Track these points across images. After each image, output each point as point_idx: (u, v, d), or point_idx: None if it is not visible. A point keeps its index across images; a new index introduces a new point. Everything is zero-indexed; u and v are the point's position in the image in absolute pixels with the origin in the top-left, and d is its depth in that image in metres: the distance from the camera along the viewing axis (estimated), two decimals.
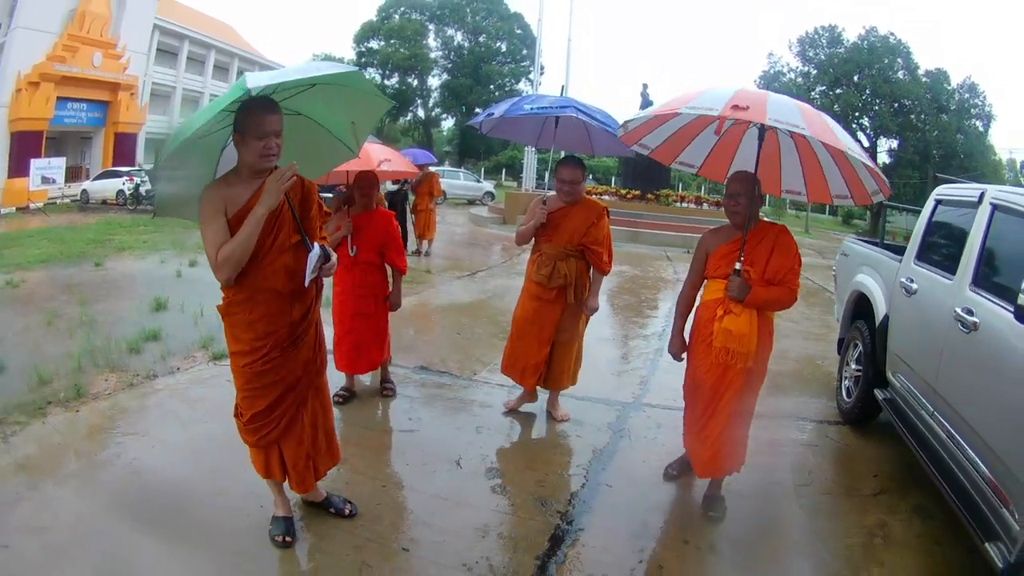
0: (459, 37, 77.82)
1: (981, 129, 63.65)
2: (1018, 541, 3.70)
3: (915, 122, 62.48)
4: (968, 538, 4.25)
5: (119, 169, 37.80)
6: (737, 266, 4.81)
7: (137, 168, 38.55)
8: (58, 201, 36.23)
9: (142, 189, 33.89)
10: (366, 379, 7.44)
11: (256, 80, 3.45)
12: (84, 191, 36.73)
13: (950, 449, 4.88)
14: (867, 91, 63.26)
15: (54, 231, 22.17)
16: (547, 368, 6.54)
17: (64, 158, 39.25)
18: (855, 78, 64.06)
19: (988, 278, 4.84)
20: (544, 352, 6.45)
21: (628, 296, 14.40)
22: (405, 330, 9.52)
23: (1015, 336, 4.15)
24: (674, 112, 4.54)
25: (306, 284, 4.03)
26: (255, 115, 3.75)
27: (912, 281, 6.07)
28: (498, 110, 6.89)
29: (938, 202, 6.33)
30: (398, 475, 5.47)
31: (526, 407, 6.88)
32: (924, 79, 63.42)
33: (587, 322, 6.66)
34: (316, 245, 4.03)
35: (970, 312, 4.78)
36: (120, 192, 34.95)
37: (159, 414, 6.42)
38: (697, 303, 5.29)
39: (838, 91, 63.29)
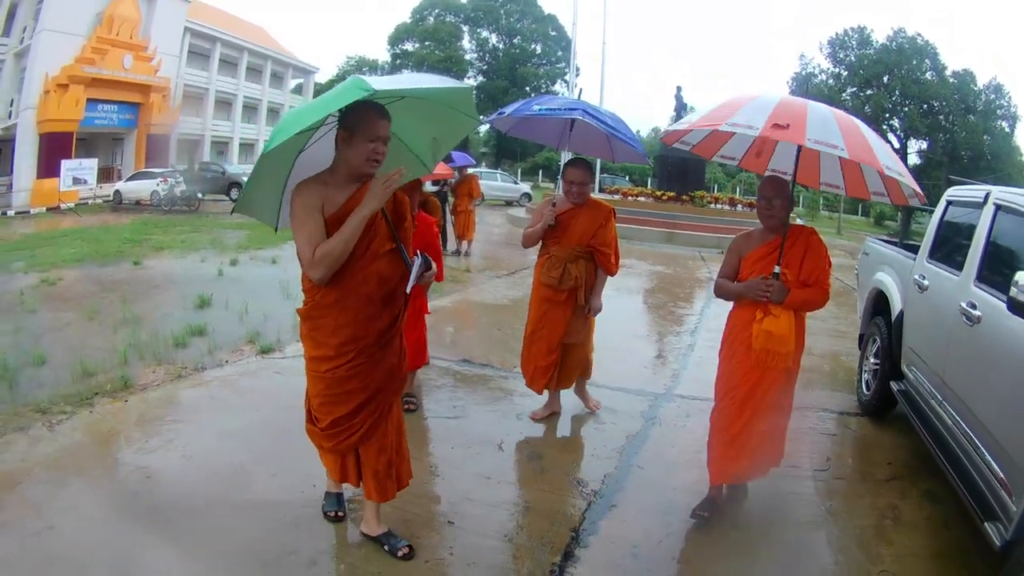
0: (494, 39, 78.25)
1: (1007, 130, 63.50)
2: (1014, 520, 3.92)
3: (943, 123, 62.48)
4: (973, 521, 4.44)
5: (153, 170, 38.03)
6: (776, 269, 4.84)
7: (171, 169, 38.92)
8: (90, 202, 36.66)
9: (176, 190, 34.36)
10: None
11: (379, 83, 3.37)
12: (117, 191, 36.90)
13: (956, 435, 5.15)
14: (897, 92, 63.25)
15: (88, 231, 22.48)
16: (558, 370, 6.54)
17: (96, 159, 39.83)
18: (885, 79, 64.03)
19: (990, 274, 5.11)
20: (554, 356, 6.45)
21: (663, 295, 14.66)
22: (447, 327, 9.77)
23: (1009, 326, 4.44)
24: (714, 127, 4.55)
25: (408, 291, 4.00)
26: (370, 117, 3.71)
27: (924, 278, 6.35)
28: (508, 109, 6.83)
29: (949, 203, 6.59)
30: (444, 457, 5.79)
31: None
32: (952, 80, 63.34)
33: (593, 323, 6.69)
34: (419, 254, 3.99)
35: (974, 306, 5.06)
36: (154, 193, 35.06)
37: (210, 403, 6.62)
38: (730, 308, 5.27)
39: (868, 92, 63.16)
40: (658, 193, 31.24)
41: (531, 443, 6.21)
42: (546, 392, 6.76)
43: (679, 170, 30.73)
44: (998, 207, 5.45)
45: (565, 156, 7.69)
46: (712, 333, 10.37)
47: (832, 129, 4.27)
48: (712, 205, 31.32)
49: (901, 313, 6.82)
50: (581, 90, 43.12)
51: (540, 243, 6.50)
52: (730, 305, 5.25)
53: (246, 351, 8.31)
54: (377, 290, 3.92)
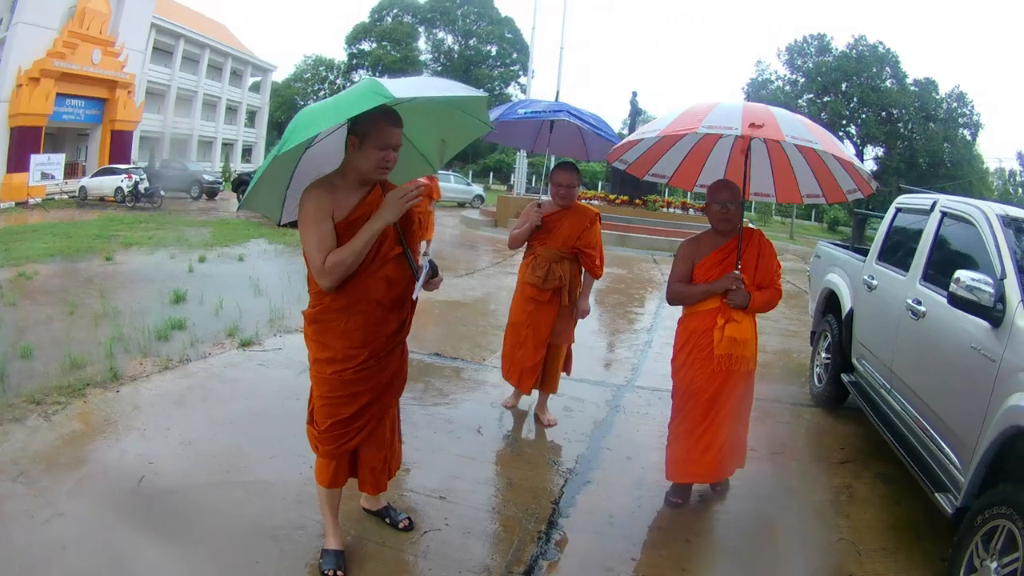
0: (449, 40, 78.46)
1: (969, 138, 64.26)
2: (963, 489, 4.35)
3: (902, 130, 63.04)
4: (924, 498, 4.89)
5: (117, 166, 37.88)
6: (736, 272, 4.90)
7: (135, 166, 38.91)
8: (56, 197, 36.33)
9: (141, 187, 34.28)
10: None
11: (398, 89, 3.28)
12: (83, 187, 36.71)
13: (904, 419, 5.67)
14: (855, 99, 63.82)
15: (57, 226, 22.45)
16: (542, 371, 6.63)
17: (63, 154, 39.37)
18: (843, 86, 64.60)
19: (935, 273, 5.62)
20: (541, 354, 6.51)
21: (618, 295, 15.11)
22: (413, 323, 10.30)
23: (949, 319, 4.99)
24: (691, 131, 4.60)
25: (414, 297, 3.98)
26: (381, 125, 3.65)
27: (873, 278, 6.87)
28: (493, 114, 6.89)
29: (898, 210, 7.12)
30: (429, 440, 6.15)
31: (525, 398, 7.13)
32: (913, 88, 63.87)
33: (576, 325, 6.79)
34: (427, 260, 3.99)
35: (919, 303, 5.61)
36: (119, 189, 35.01)
37: (200, 393, 6.85)
38: (683, 313, 5.32)
39: (826, 99, 63.68)
40: (611, 197, 31.66)
41: (507, 428, 6.61)
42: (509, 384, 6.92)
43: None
44: (944, 214, 6.01)
45: (521, 158, 7.87)
46: (667, 332, 10.79)
47: (800, 127, 4.43)
48: (665, 209, 31.88)
49: (851, 311, 7.33)
50: (557, 92, 43.46)
51: (525, 244, 6.58)
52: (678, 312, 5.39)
53: (227, 344, 8.55)
54: (386, 294, 3.89)
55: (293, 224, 3.99)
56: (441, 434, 6.35)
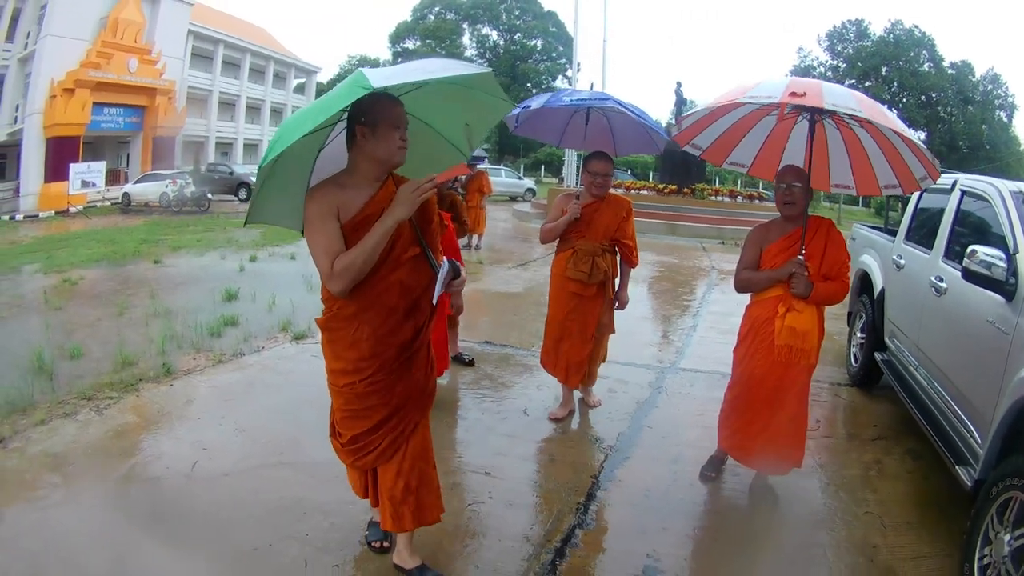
0: (494, 36, 78.40)
1: (1005, 120, 63.68)
2: (981, 461, 4.48)
3: (942, 114, 62.49)
4: (951, 474, 4.92)
5: (161, 172, 38.49)
6: (800, 257, 4.78)
7: (179, 171, 39.45)
8: (98, 204, 37.03)
9: (186, 191, 34.83)
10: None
11: (378, 78, 3.07)
12: (126, 194, 37.36)
13: (929, 394, 5.81)
14: (895, 84, 63.25)
15: (101, 232, 22.87)
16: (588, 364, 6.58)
17: (104, 162, 40.25)
18: (883, 71, 64.06)
19: (955, 250, 5.75)
20: (588, 348, 6.42)
21: (666, 282, 15.29)
22: (466, 313, 10.53)
23: (968, 294, 5.12)
24: (734, 103, 4.58)
25: (434, 301, 3.72)
26: (387, 105, 3.48)
27: (901, 258, 7.04)
28: (535, 102, 6.89)
29: (923, 190, 7.21)
30: (477, 420, 6.48)
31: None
32: (949, 71, 63.28)
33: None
34: (446, 260, 3.74)
35: (941, 279, 5.77)
36: (164, 194, 35.47)
37: (253, 384, 7.10)
38: (749, 301, 5.27)
39: (867, 84, 63.02)
40: (660, 187, 31.71)
41: (552, 408, 6.72)
42: (560, 390, 6.77)
43: (681, 163, 30.98)
44: (963, 192, 6.17)
45: (570, 151, 7.81)
46: (713, 316, 11.36)
47: (847, 96, 4.35)
48: (713, 197, 31.73)
49: (883, 290, 7.48)
50: (592, 83, 43.44)
51: (558, 238, 6.47)
52: (743, 299, 5.44)
53: (280, 338, 8.77)
54: (400, 300, 3.65)
55: None
56: (489, 415, 6.65)
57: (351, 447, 3.83)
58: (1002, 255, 4.59)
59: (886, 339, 7.32)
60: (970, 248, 4.73)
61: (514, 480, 5.36)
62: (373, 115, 3.45)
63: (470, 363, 7.99)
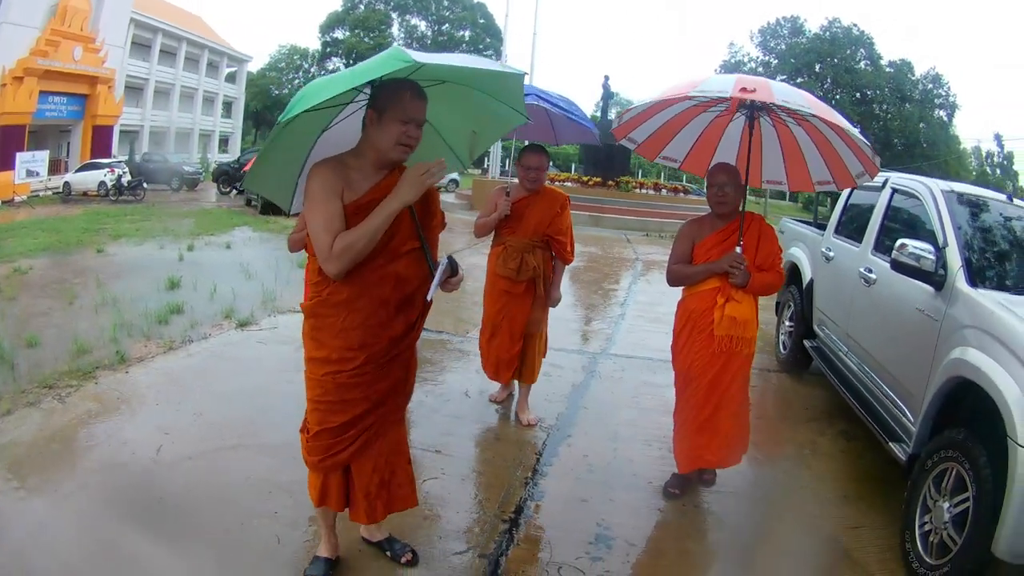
0: (423, 26, 78.23)
1: (945, 119, 64.12)
2: (913, 437, 4.89)
3: (877, 111, 62.75)
4: (884, 452, 5.35)
5: (100, 161, 38.00)
6: (738, 250, 4.81)
7: (117, 160, 39.08)
8: (40, 193, 36.09)
9: (123, 180, 34.53)
10: None
11: (422, 56, 3.00)
12: (66, 183, 36.86)
13: (860, 378, 6.24)
14: (828, 80, 63.51)
15: (45, 222, 22.57)
16: (520, 362, 6.43)
17: (47, 151, 39.30)
18: (816, 67, 64.50)
19: (884, 243, 6.15)
20: (517, 347, 6.31)
21: (593, 273, 15.72)
22: None
23: (897, 284, 5.57)
24: (684, 96, 4.55)
25: (428, 298, 3.60)
26: (404, 96, 3.33)
27: (830, 250, 7.45)
28: None
29: (854, 188, 7.61)
30: (422, 402, 6.64)
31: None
32: (888, 69, 63.54)
33: (548, 312, 6.60)
34: (446, 256, 3.60)
35: (871, 271, 6.21)
36: (102, 183, 35.15)
37: (205, 370, 7.22)
38: (682, 296, 5.22)
39: (799, 80, 63.32)
40: (584, 179, 32.24)
41: (491, 391, 7.01)
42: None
43: (605, 156, 31.71)
44: (894, 190, 6.61)
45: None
46: (639, 305, 11.96)
47: (795, 94, 4.40)
48: (637, 190, 32.59)
49: (812, 281, 7.90)
50: (527, 76, 43.70)
51: (493, 233, 6.37)
52: (667, 290, 5.54)
53: (225, 325, 8.93)
54: (393, 293, 3.54)
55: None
56: (432, 397, 6.91)
57: (319, 443, 3.64)
58: (931, 248, 5.05)
59: (815, 327, 7.76)
60: (899, 241, 5.19)
61: (463, 457, 5.68)
62: (384, 102, 3.34)
63: None
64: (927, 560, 4.23)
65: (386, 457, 3.80)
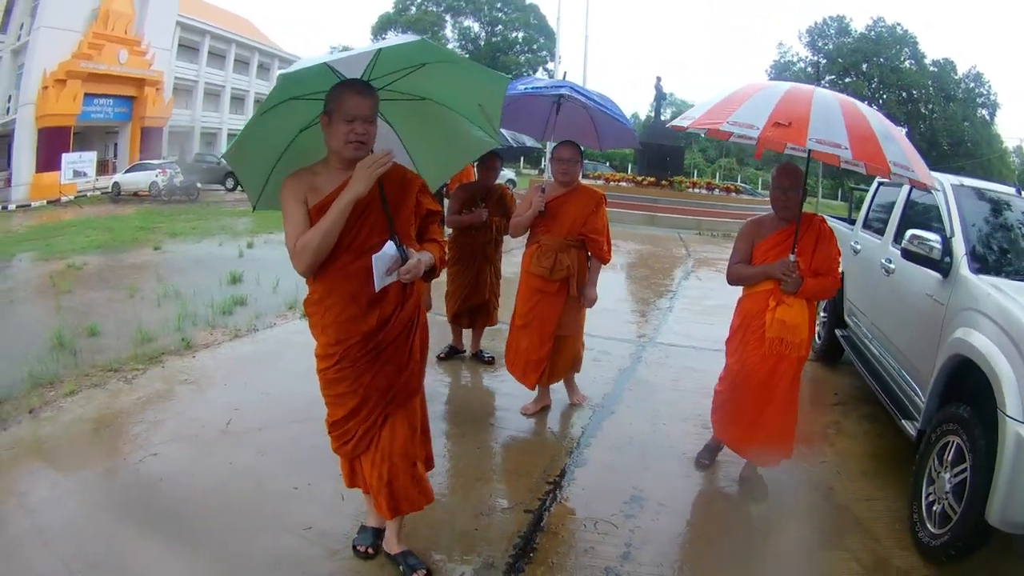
0: (476, 28, 78.43)
1: (987, 118, 63.69)
2: (923, 413, 5.28)
3: (922, 111, 62.39)
4: (903, 433, 5.65)
5: (151, 162, 38.83)
6: (792, 257, 4.79)
7: (169, 160, 39.95)
8: (88, 194, 37.19)
9: (176, 181, 35.36)
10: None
11: (331, 57, 3.31)
12: (116, 183, 37.58)
13: (881, 362, 6.67)
14: (875, 80, 63.19)
15: (95, 221, 23.22)
16: (550, 364, 6.30)
17: (95, 152, 40.47)
18: (863, 67, 64.02)
19: (902, 236, 6.47)
20: (547, 348, 6.18)
21: (645, 269, 16.03)
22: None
23: (911, 272, 6.00)
24: (716, 126, 4.47)
25: (376, 289, 3.54)
26: (343, 94, 3.40)
27: (858, 244, 7.84)
28: None
29: (880, 184, 8.09)
30: (480, 382, 7.38)
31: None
32: (931, 68, 63.01)
33: (584, 314, 6.51)
34: (390, 244, 3.52)
35: (890, 261, 6.64)
36: (153, 184, 35.92)
37: (271, 355, 7.70)
38: (741, 295, 5.27)
39: (847, 80, 63.10)
40: (639, 178, 32.42)
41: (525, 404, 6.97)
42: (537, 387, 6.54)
43: (659, 156, 32.09)
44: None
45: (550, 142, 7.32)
46: (688, 299, 12.25)
47: (836, 125, 4.24)
48: (691, 189, 32.50)
49: (842, 273, 8.24)
50: (566, 72, 44.01)
51: (528, 231, 6.28)
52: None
53: (289, 315, 9.34)
54: (362, 288, 3.57)
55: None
56: (489, 378, 7.49)
57: (334, 433, 3.87)
58: (938, 238, 5.45)
59: (845, 317, 8.16)
60: (909, 232, 5.62)
61: (515, 429, 6.21)
62: (330, 104, 3.46)
63: (489, 361, 7.83)
64: (930, 529, 4.57)
65: (382, 455, 3.81)
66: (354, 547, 4.16)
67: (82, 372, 6.72)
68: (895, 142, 4.41)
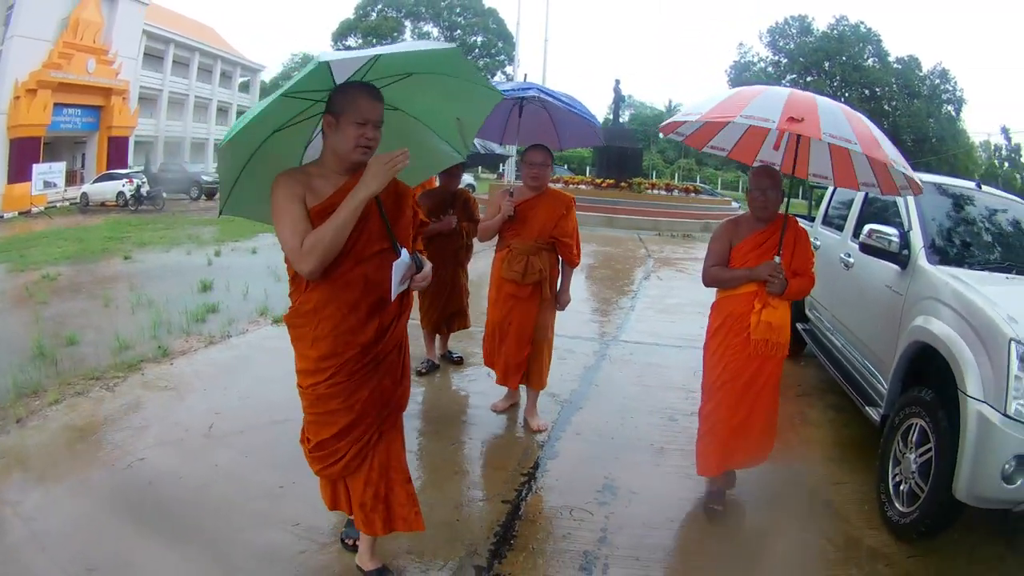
0: (435, 32, 78.62)
1: (953, 114, 64.56)
2: (885, 399, 5.58)
3: (886, 107, 62.88)
4: (868, 422, 5.91)
5: (118, 172, 38.78)
6: (777, 259, 4.75)
7: (137, 170, 39.88)
8: (58, 204, 36.95)
9: (143, 190, 35.16)
10: None
11: (336, 55, 3.15)
12: (84, 194, 37.53)
13: (843, 352, 6.95)
14: (837, 78, 63.67)
15: (66, 231, 23.15)
16: (528, 367, 6.30)
17: (64, 162, 40.13)
18: (825, 65, 64.63)
19: (860, 231, 6.72)
20: (526, 351, 6.19)
21: (606, 269, 16.32)
22: None
23: (870, 265, 6.29)
24: (730, 119, 4.46)
25: (392, 298, 3.49)
26: (357, 98, 3.31)
27: (817, 240, 8.05)
28: None
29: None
30: (450, 380, 7.63)
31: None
32: (896, 66, 63.59)
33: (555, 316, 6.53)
34: (405, 252, 3.47)
35: (849, 255, 6.93)
36: (120, 194, 35.85)
37: (247, 360, 7.82)
38: (718, 297, 5.15)
39: (808, 79, 63.65)
40: (598, 180, 32.69)
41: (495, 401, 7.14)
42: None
43: (618, 158, 32.47)
44: None
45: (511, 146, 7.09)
46: (649, 298, 12.72)
47: (843, 124, 4.30)
48: (650, 191, 32.88)
49: None
50: (526, 75, 44.14)
51: (497, 236, 6.28)
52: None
53: (261, 321, 9.48)
54: (363, 297, 3.48)
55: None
56: (459, 377, 7.71)
57: (317, 454, 3.68)
58: (896, 231, 5.74)
59: (807, 311, 8.43)
60: (867, 227, 5.92)
61: (486, 425, 6.42)
62: (340, 105, 3.32)
63: (458, 361, 8.05)
64: (899, 508, 4.83)
65: (379, 471, 3.73)
66: (342, 540, 4.24)
67: (64, 381, 6.82)
68: (890, 143, 4.54)
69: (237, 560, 4.14)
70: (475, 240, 7.32)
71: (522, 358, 6.20)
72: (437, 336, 7.96)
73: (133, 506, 4.65)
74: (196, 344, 8.33)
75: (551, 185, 6.29)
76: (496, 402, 6.73)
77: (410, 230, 3.73)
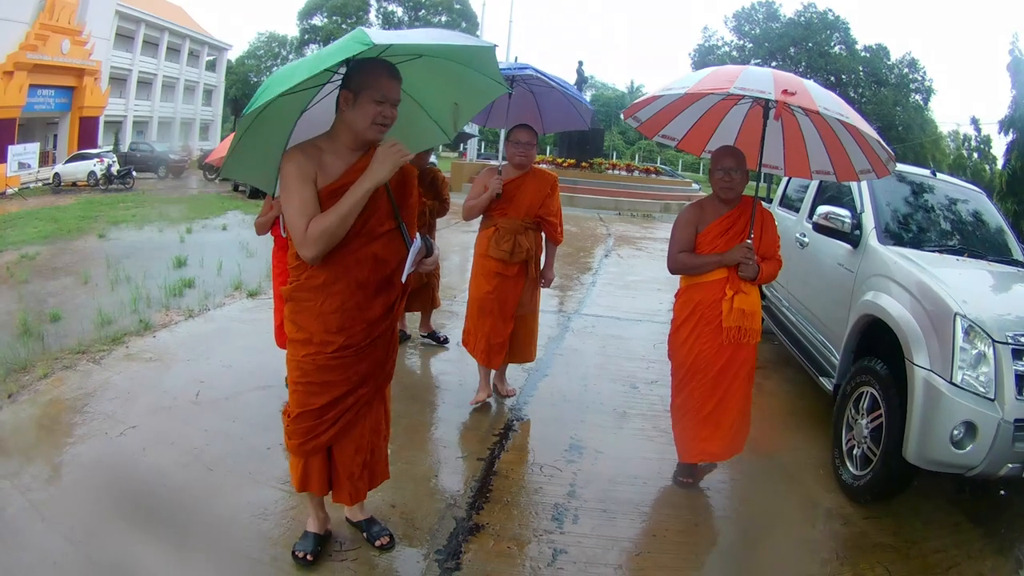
0: (400, 12, 78.41)
1: (921, 103, 64.69)
2: (837, 369, 5.97)
3: (851, 95, 62.63)
4: (824, 395, 6.32)
5: (89, 152, 38.53)
6: (748, 242, 4.69)
7: (107, 149, 39.94)
8: (31, 185, 36.69)
9: (113, 169, 35.16)
10: None
11: (382, 37, 3.01)
12: (56, 174, 37.10)
13: (799, 328, 7.34)
14: (802, 64, 63.51)
15: (40, 212, 23.21)
16: (511, 343, 6.30)
17: (37, 143, 39.89)
18: (791, 51, 64.71)
19: (814, 212, 7.07)
20: (509, 329, 6.19)
21: (568, 247, 16.38)
22: None
23: (823, 245, 6.73)
24: (722, 89, 4.33)
25: (403, 279, 3.57)
26: (378, 76, 3.30)
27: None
28: None
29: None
30: (422, 350, 7.94)
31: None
32: (863, 54, 63.64)
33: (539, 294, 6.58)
34: (419, 236, 3.58)
35: (804, 235, 7.33)
36: (91, 173, 35.59)
37: (226, 332, 8.11)
38: (684, 284, 5.03)
39: (773, 64, 63.51)
40: (559, 160, 32.86)
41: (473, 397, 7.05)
42: (479, 373, 6.54)
43: (579, 138, 32.47)
44: None
45: (474, 126, 6.88)
46: (610, 275, 13.28)
47: (833, 99, 4.30)
48: (610, 171, 33.41)
49: None
50: (516, 57, 44.28)
51: (481, 215, 6.28)
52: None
53: (236, 295, 9.82)
54: (371, 275, 3.53)
55: None
56: (427, 348, 8.04)
57: (300, 426, 3.67)
58: (848, 212, 6.16)
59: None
60: (820, 208, 6.33)
61: (456, 390, 6.75)
62: (359, 82, 3.31)
63: (444, 341, 8.09)
64: (852, 471, 5.20)
65: (369, 437, 3.82)
66: (293, 553, 3.95)
67: (52, 356, 6.94)
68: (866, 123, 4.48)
69: (231, 517, 4.35)
70: (438, 219, 7.63)
71: (505, 336, 6.19)
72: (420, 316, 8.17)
73: (129, 472, 4.85)
74: (176, 317, 8.52)
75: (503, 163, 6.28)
76: (474, 398, 6.43)
77: (415, 211, 3.83)
